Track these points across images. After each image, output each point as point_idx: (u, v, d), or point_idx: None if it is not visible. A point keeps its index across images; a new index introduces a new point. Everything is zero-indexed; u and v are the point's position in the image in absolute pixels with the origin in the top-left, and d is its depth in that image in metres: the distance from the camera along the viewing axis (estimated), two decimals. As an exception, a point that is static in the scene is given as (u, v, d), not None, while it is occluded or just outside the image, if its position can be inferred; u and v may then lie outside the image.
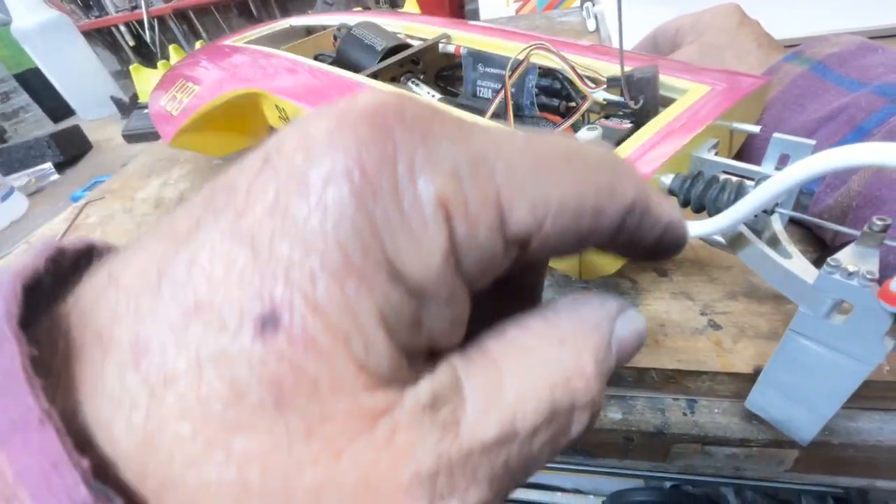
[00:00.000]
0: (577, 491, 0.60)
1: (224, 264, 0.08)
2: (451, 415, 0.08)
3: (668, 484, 0.50)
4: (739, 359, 0.23)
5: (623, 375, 0.24)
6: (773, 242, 0.17)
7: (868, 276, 0.14)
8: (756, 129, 0.23)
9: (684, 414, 0.25)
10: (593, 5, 0.67)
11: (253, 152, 0.09)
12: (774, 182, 0.14)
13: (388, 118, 0.08)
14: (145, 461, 0.07)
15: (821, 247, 0.27)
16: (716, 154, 0.22)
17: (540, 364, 0.09)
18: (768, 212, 0.17)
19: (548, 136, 0.09)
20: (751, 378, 0.23)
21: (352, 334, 0.07)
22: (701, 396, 0.25)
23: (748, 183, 0.19)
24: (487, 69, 0.35)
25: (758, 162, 0.23)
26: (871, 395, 0.22)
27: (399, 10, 0.62)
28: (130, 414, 0.07)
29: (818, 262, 0.23)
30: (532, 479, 0.62)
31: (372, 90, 0.11)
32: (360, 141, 0.08)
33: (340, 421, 0.07)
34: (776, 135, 0.19)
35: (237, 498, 0.07)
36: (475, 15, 0.81)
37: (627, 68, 0.23)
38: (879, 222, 0.14)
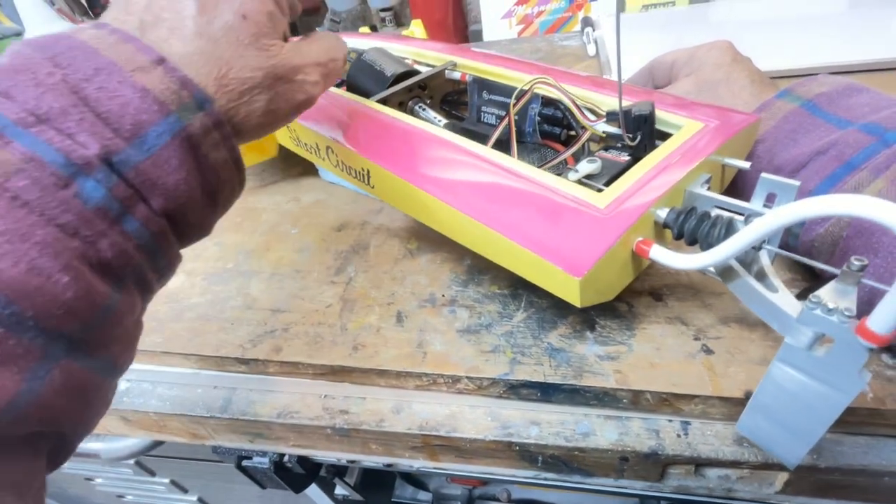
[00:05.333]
0: (571, 508, 0.60)
1: None
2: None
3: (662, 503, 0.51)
4: (731, 383, 0.24)
5: (619, 397, 0.25)
6: (761, 276, 0.18)
7: (847, 313, 0.15)
8: (746, 165, 0.25)
9: (678, 435, 0.25)
10: (593, 30, 0.69)
11: None
12: (763, 223, 0.16)
13: None
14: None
15: (810, 275, 0.29)
16: (708, 188, 0.23)
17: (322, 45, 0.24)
18: (756, 248, 0.18)
19: None
20: (742, 402, 0.24)
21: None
22: (694, 419, 0.26)
23: (738, 219, 0.20)
24: (492, 96, 0.36)
25: (749, 193, 0.25)
26: (855, 421, 0.23)
27: (406, 35, 0.64)
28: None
29: (808, 292, 0.24)
30: (525, 496, 0.62)
31: None
32: None
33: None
34: (764, 175, 0.21)
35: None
36: (479, 36, 0.83)
37: (626, 104, 0.25)
38: (857, 262, 0.15)
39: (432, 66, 0.39)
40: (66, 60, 0.16)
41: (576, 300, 0.20)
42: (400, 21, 0.95)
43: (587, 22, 0.71)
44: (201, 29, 0.19)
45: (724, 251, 0.17)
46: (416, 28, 0.74)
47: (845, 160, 0.26)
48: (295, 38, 0.24)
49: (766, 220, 0.16)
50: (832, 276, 0.16)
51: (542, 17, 0.76)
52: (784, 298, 0.17)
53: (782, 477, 0.26)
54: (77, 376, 0.15)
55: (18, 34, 0.91)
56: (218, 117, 0.18)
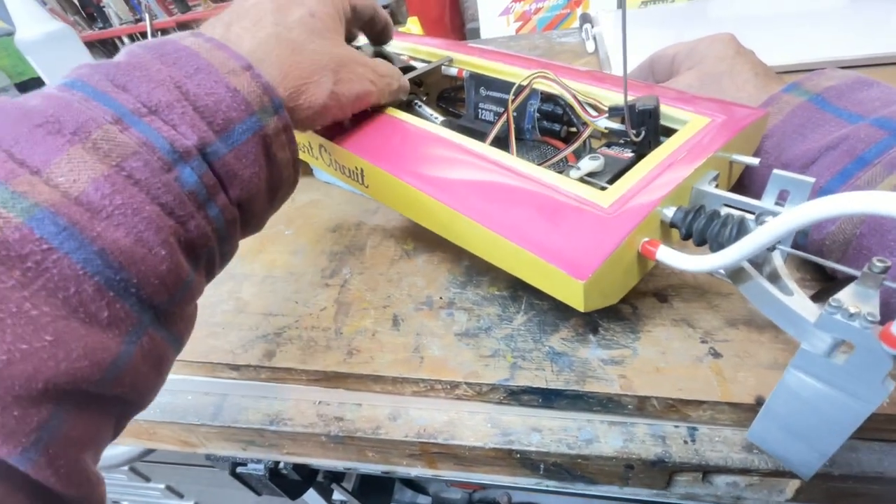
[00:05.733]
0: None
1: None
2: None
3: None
4: (741, 388, 0.23)
5: (624, 403, 0.24)
6: (774, 278, 0.17)
7: (869, 318, 0.14)
8: (755, 161, 0.24)
9: (685, 442, 0.24)
10: (592, 27, 0.68)
11: None
12: (780, 223, 0.15)
13: None
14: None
15: (821, 274, 0.28)
16: (716, 186, 0.22)
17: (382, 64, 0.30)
18: (769, 248, 0.17)
19: None
20: (752, 408, 0.23)
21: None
22: (702, 424, 0.25)
23: (749, 217, 0.19)
24: (489, 92, 0.35)
25: (757, 190, 0.24)
26: (871, 427, 0.22)
27: (401, 31, 0.63)
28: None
29: (823, 294, 0.23)
30: (526, 500, 0.61)
31: None
32: None
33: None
34: (776, 171, 0.20)
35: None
36: (476, 33, 0.82)
37: (629, 98, 0.24)
38: (880, 264, 0.14)
39: (428, 62, 0.38)
40: (172, 60, 0.18)
41: (579, 304, 0.19)
42: (396, 19, 0.94)
43: (585, 18, 0.70)
44: (277, 21, 0.22)
45: (736, 252, 0.16)
46: (413, 26, 0.73)
47: (857, 155, 0.26)
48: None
49: (783, 219, 0.15)
50: (848, 278, 0.15)
51: (540, 14, 0.75)
52: (800, 302, 0.16)
53: (794, 484, 0.25)
54: (158, 345, 0.16)
55: (10, 34, 0.89)
56: (287, 122, 0.21)
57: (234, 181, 0.19)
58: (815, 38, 0.51)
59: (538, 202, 0.21)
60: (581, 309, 0.20)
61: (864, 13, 0.54)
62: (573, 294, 0.19)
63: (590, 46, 0.65)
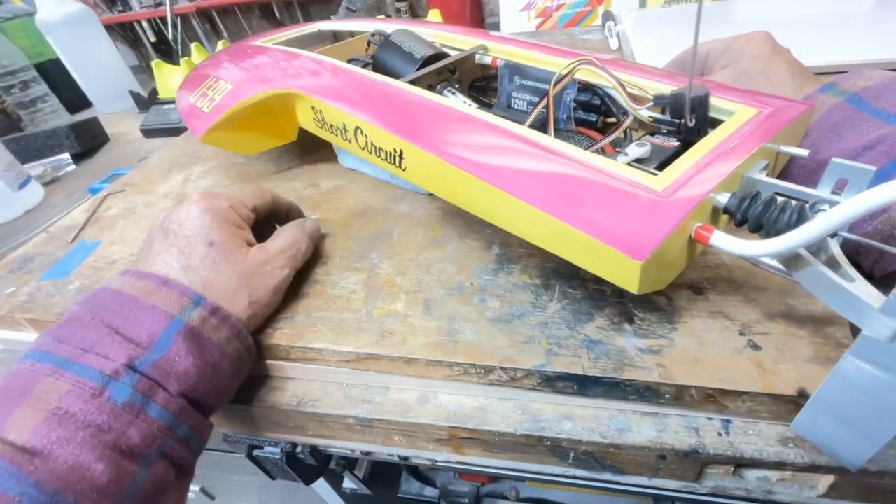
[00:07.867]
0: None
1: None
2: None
3: (678, 505, 0.50)
4: (782, 381, 0.23)
5: (662, 392, 0.24)
6: (833, 265, 0.17)
7: (942, 303, 0.14)
8: (804, 152, 0.24)
9: (719, 434, 0.24)
10: (615, 24, 0.68)
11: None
12: (848, 207, 0.15)
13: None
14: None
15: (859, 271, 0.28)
16: (766, 175, 0.22)
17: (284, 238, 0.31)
18: (831, 235, 0.17)
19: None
20: (793, 400, 0.23)
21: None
22: (737, 417, 0.25)
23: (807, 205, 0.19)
24: (524, 82, 0.35)
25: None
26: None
27: (424, 20, 0.62)
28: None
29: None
30: (533, 494, 0.61)
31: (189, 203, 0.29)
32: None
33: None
34: (835, 159, 0.20)
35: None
36: (496, 28, 0.82)
37: (677, 87, 0.24)
38: (951, 250, 0.14)
39: (461, 50, 0.38)
40: (102, 305, 0.23)
41: (633, 286, 0.19)
42: (415, 12, 0.94)
43: (608, 16, 0.70)
44: (184, 263, 0.26)
45: (800, 237, 0.16)
46: (434, 18, 0.73)
47: (895, 155, 0.26)
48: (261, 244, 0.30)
49: (853, 203, 0.15)
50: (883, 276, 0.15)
51: (562, 11, 0.75)
52: (863, 288, 0.16)
53: (826, 480, 0.25)
54: None
55: (30, 15, 0.89)
56: (213, 306, 0.24)
57: (169, 379, 0.22)
58: (838, 42, 0.51)
59: (590, 185, 0.21)
60: (635, 291, 0.19)
61: (889, 17, 0.54)
62: (628, 275, 0.19)
63: (613, 44, 0.65)
